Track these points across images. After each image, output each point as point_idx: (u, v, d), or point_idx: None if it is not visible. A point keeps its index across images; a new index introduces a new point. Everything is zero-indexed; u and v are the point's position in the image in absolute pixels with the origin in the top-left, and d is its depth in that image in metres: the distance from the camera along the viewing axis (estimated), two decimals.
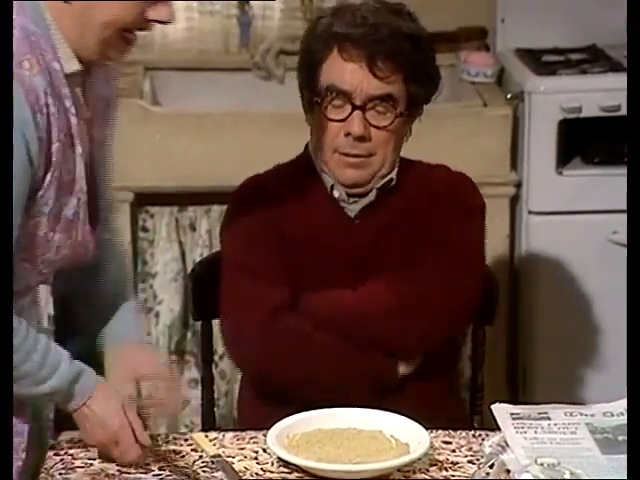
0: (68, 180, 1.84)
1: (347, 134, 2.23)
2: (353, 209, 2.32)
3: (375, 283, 2.28)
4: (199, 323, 2.52)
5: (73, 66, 1.85)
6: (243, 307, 2.28)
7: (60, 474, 1.91)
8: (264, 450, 1.98)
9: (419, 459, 1.91)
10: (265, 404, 2.28)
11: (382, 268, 2.28)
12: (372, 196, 2.30)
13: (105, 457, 1.93)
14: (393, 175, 2.31)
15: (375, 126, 2.23)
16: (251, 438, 2.03)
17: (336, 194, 2.31)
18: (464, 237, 2.32)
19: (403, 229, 2.31)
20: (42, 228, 1.84)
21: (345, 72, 2.22)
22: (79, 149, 1.86)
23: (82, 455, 1.95)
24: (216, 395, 2.57)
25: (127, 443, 1.89)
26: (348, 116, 2.22)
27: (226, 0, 3.70)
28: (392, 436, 1.97)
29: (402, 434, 1.96)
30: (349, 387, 2.22)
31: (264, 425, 2.06)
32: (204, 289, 2.40)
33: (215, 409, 2.55)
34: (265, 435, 2.02)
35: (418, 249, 2.29)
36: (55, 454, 1.97)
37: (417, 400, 2.17)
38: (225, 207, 2.43)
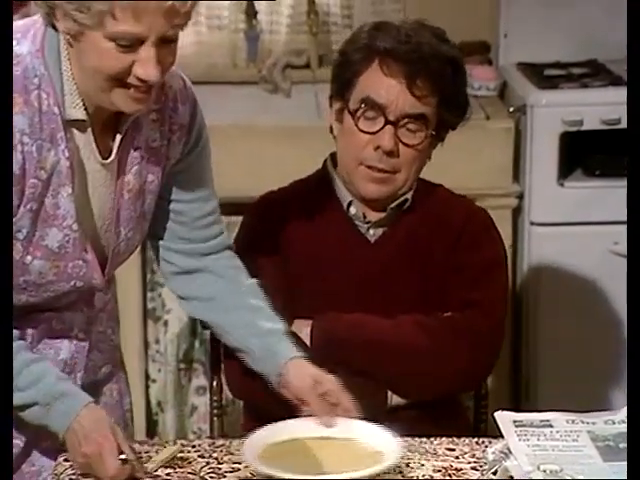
0: (51, 214, 1.90)
1: (377, 147, 2.21)
2: (369, 229, 2.30)
3: (398, 313, 2.25)
4: (207, 332, 2.51)
5: (75, 114, 1.89)
6: None
7: (70, 479, 1.91)
8: None
9: (393, 467, 1.86)
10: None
11: (398, 292, 2.27)
12: (384, 216, 2.29)
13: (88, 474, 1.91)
14: (408, 196, 2.29)
15: (405, 143, 2.22)
16: None
17: (352, 211, 2.29)
18: (490, 291, 2.28)
19: (418, 253, 2.29)
20: (17, 252, 1.90)
21: (383, 86, 2.20)
22: (68, 190, 1.90)
23: None
24: (224, 402, 2.56)
25: (110, 457, 1.85)
26: (380, 130, 2.21)
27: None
28: (366, 444, 1.93)
29: (375, 442, 1.92)
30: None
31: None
32: None
33: (223, 416, 2.54)
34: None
35: (437, 279, 2.27)
36: (65, 460, 1.97)
37: (412, 428, 2.09)
38: (231, 217, 2.42)
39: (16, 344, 1.91)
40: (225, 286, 2.14)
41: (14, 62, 1.85)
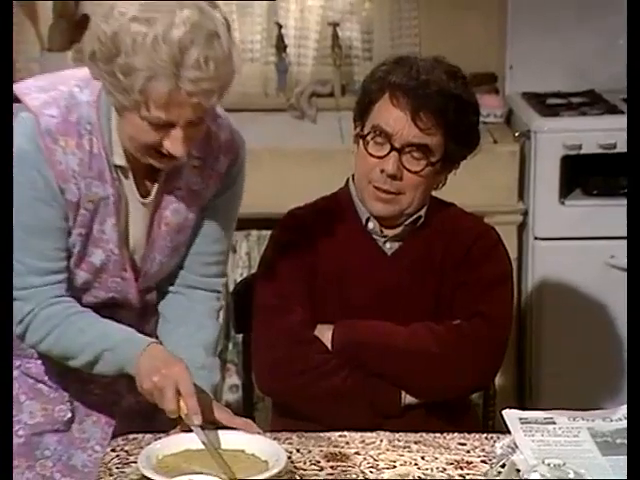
0: (97, 238, 1.98)
1: (382, 170, 2.21)
2: (385, 242, 2.29)
3: (412, 320, 2.24)
4: (240, 335, 2.51)
5: (118, 160, 1.96)
6: (268, 338, 2.24)
7: (117, 468, 1.91)
8: (297, 450, 1.97)
9: (278, 474, 1.82)
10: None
11: (413, 302, 2.25)
12: (400, 231, 2.28)
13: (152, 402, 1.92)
14: (421, 213, 2.27)
15: (408, 169, 2.20)
16: (286, 439, 2.01)
17: (370, 226, 2.28)
18: (499, 303, 2.27)
19: (432, 266, 2.27)
20: (70, 262, 2.00)
21: (391, 116, 2.19)
22: (112, 220, 1.97)
23: (136, 452, 1.94)
24: (255, 399, 2.55)
25: (170, 391, 1.87)
26: (386, 155, 2.20)
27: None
28: (253, 455, 1.89)
29: (262, 452, 1.88)
30: (354, 415, 2.16)
31: (297, 427, 2.05)
32: (244, 305, 2.39)
33: (253, 412, 2.53)
34: (299, 436, 2.01)
35: (449, 290, 2.26)
36: (112, 450, 1.97)
37: (422, 425, 2.10)
38: (262, 231, 2.42)
39: (78, 308, 1.99)
40: (186, 322, 2.11)
41: (73, 107, 1.92)
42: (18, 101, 1.95)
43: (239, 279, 2.96)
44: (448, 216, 2.33)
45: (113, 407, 2.14)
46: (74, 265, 2.00)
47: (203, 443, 1.86)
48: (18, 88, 1.96)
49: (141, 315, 2.12)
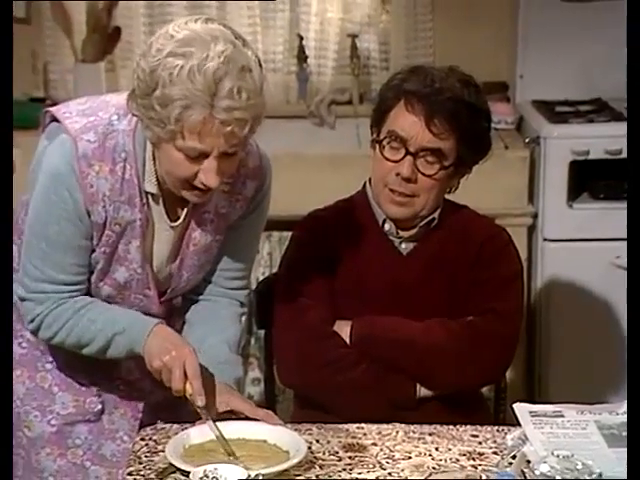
0: (122, 257, 1.99)
1: (397, 174, 2.20)
2: (401, 243, 2.29)
3: (427, 317, 2.23)
4: (262, 331, 2.51)
5: (150, 188, 1.97)
6: (290, 335, 2.24)
7: (146, 456, 1.92)
8: (317, 441, 1.97)
9: (299, 464, 1.83)
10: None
11: (427, 299, 2.25)
12: (415, 232, 2.27)
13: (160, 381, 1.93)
14: (435, 215, 2.27)
15: (422, 173, 2.20)
16: (306, 430, 2.01)
17: (386, 227, 2.28)
18: (510, 300, 2.26)
19: (445, 265, 2.27)
20: (93, 277, 2.02)
21: (406, 122, 2.18)
22: (138, 242, 1.98)
23: (164, 441, 1.94)
24: (276, 392, 2.55)
25: (177, 370, 1.89)
26: (401, 159, 2.19)
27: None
28: (275, 445, 1.89)
29: (283, 443, 1.88)
30: (371, 407, 2.15)
31: (317, 419, 2.04)
32: (266, 303, 2.39)
33: (275, 404, 2.53)
34: (319, 427, 2.01)
35: (462, 288, 2.25)
36: (141, 439, 1.98)
37: (436, 416, 2.09)
38: (283, 233, 2.42)
39: (85, 301, 2.00)
40: (209, 323, 2.12)
41: (110, 134, 1.93)
42: (58, 120, 1.97)
43: (261, 278, 2.95)
44: (461, 218, 2.32)
45: (139, 402, 2.15)
46: (98, 279, 2.02)
47: (209, 426, 1.87)
48: (60, 110, 1.98)
49: (165, 321, 2.12)
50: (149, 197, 1.98)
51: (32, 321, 2.00)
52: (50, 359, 2.11)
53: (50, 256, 1.96)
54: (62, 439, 2.11)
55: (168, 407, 2.09)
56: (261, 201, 2.09)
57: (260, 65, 1.84)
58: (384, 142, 2.21)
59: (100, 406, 2.12)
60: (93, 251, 1.99)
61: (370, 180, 2.32)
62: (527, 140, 3.40)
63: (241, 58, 1.81)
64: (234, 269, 2.13)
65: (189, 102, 1.77)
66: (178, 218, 2.02)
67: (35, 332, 2.02)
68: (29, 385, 2.11)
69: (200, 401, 1.88)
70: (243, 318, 2.18)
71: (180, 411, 2.00)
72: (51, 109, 2.00)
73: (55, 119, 1.98)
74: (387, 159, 2.21)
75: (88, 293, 2.02)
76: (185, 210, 2.01)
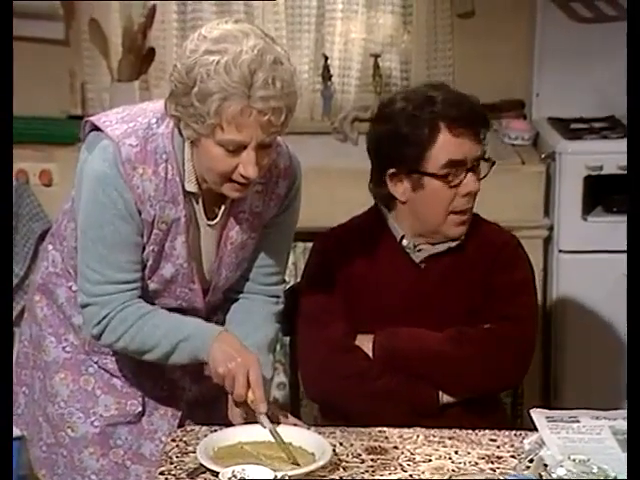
0: (168, 254, 2.00)
1: (466, 194, 2.18)
2: (419, 256, 2.27)
3: (446, 326, 2.22)
4: (287, 338, 2.50)
5: (190, 187, 1.98)
6: (313, 349, 2.24)
7: (177, 457, 1.92)
8: (340, 444, 1.96)
9: (323, 466, 1.82)
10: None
11: (446, 309, 2.23)
12: (441, 247, 2.25)
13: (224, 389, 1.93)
14: None
15: (480, 179, 2.20)
16: (330, 433, 2.00)
17: (405, 243, 2.26)
18: (522, 307, 2.25)
19: (461, 275, 2.25)
20: (144, 275, 2.02)
21: (459, 146, 2.16)
22: (183, 239, 1.99)
23: (193, 442, 1.94)
24: (300, 396, 2.54)
25: (241, 377, 1.90)
26: (464, 179, 2.17)
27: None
28: (300, 447, 1.88)
29: (309, 445, 1.88)
30: (395, 415, 2.13)
31: (340, 422, 2.03)
32: (291, 311, 2.38)
33: (300, 408, 2.52)
34: (342, 431, 2.00)
35: (479, 295, 2.24)
36: (172, 440, 1.97)
37: (457, 422, 2.08)
38: (307, 244, 2.41)
39: (149, 307, 2.00)
40: (244, 324, 2.12)
41: (150, 138, 1.94)
42: (97, 129, 1.98)
43: (286, 287, 2.95)
44: (472, 228, 2.30)
45: (179, 401, 2.15)
46: (146, 277, 2.02)
47: (270, 431, 1.87)
48: (100, 119, 2.00)
49: (205, 318, 2.12)
50: (190, 197, 1.99)
51: (98, 324, 1.99)
52: (95, 359, 2.12)
53: (108, 257, 1.96)
54: (104, 440, 2.12)
55: (204, 404, 2.12)
56: (293, 199, 2.10)
57: (289, 59, 1.86)
58: (445, 173, 2.16)
59: (141, 408, 2.13)
60: (143, 249, 1.99)
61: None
62: (543, 156, 3.38)
63: (272, 51, 1.83)
64: (270, 265, 2.13)
65: (227, 94, 1.80)
66: (216, 217, 2.03)
67: (98, 336, 2.01)
68: (73, 388, 2.12)
69: (263, 408, 1.89)
70: (278, 314, 2.17)
71: (214, 409, 2.03)
72: (91, 118, 2.02)
73: (95, 128, 1.99)
74: (453, 186, 2.17)
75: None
76: (222, 209, 2.02)
